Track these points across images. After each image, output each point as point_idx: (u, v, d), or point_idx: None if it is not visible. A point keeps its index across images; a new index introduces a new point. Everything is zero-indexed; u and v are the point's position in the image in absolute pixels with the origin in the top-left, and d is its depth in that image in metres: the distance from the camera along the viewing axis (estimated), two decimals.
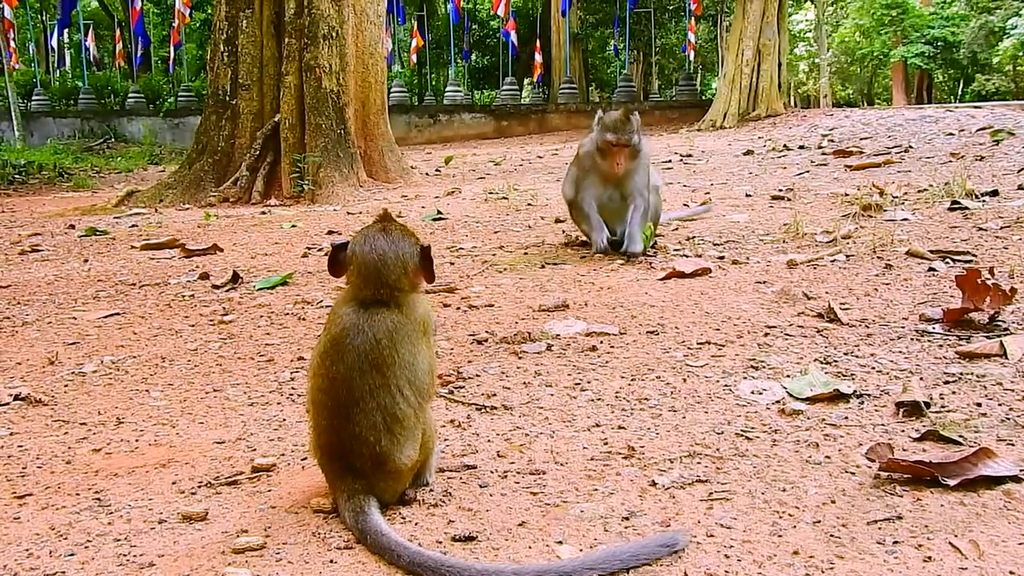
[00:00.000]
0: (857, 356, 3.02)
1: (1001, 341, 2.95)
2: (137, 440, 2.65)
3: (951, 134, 11.40)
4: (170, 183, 10.62)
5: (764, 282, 4.20)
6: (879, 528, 1.85)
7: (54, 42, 28.15)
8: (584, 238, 5.43)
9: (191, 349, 3.67)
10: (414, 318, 2.03)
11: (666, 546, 1.78)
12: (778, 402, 2.65)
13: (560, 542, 1.87)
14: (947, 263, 4.25)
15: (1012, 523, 1.84)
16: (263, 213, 8.78)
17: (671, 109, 24.44)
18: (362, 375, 1.96)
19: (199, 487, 2.26)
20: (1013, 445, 2.22)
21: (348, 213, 8.29)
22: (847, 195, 6.64)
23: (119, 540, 1.98)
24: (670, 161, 11.77)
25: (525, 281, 4.61)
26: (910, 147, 10.31)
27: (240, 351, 3.60)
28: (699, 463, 2.24)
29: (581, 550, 1.82)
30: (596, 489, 2.12)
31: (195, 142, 11.03)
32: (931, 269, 4.16)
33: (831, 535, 1.83)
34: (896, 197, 6.30)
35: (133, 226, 8.07)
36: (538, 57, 26.93)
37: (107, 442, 2.63)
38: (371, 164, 10.93)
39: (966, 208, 5.56)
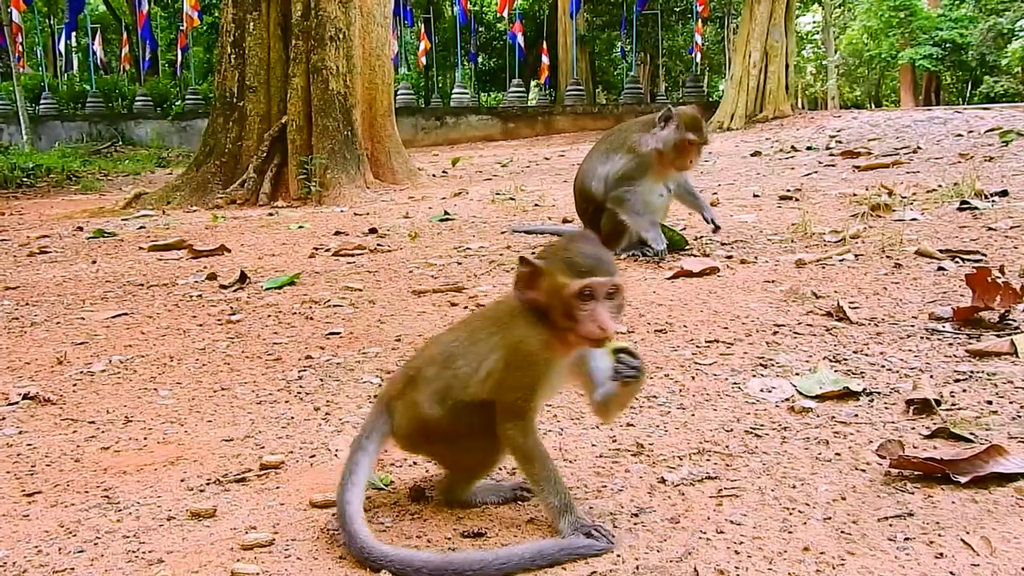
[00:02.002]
0: (867, 354, 3.01)
1: (1012, 339, 2.94)
2: (146, 438, 2.65)
3: (960, 135, 11.37)
4: (178, 185, 10.65)
5: (772, 281, 4.18)
6: (890, 525, 1.84)
7: (62, 46, 28.26)
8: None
9: (199, 348, 3.67)
10: None
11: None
12: (787, 400, 2.64)
13: None
14: (957, 262, 4.23)
15: None
16: (270, 214, 8.79)
17: None
18: None
19: (208, 484, 2.27)
20: None
21: (355, 214, 8.29)
22: (855, 195, 6.62)
23: (128, 537, 1.98)
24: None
25: None
26: (919, 148, 10.28)
27: (248, 350, 3.60)
28: (708, 460, 2.23)
29: None
30: (605, 486, 2.11)
31: (202, 144, 11.06)
32: (940, 268, 4.14)
33: (842, 531, 1.82)
34: (905, 197, 6.27)
35: (141, 228, 8.09)
36: (545, 59, 26.94)
37: (116, 440, 2.64)
38: (378, 166, 10.94)
39: (976, 208, 5.53)
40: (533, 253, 1.96)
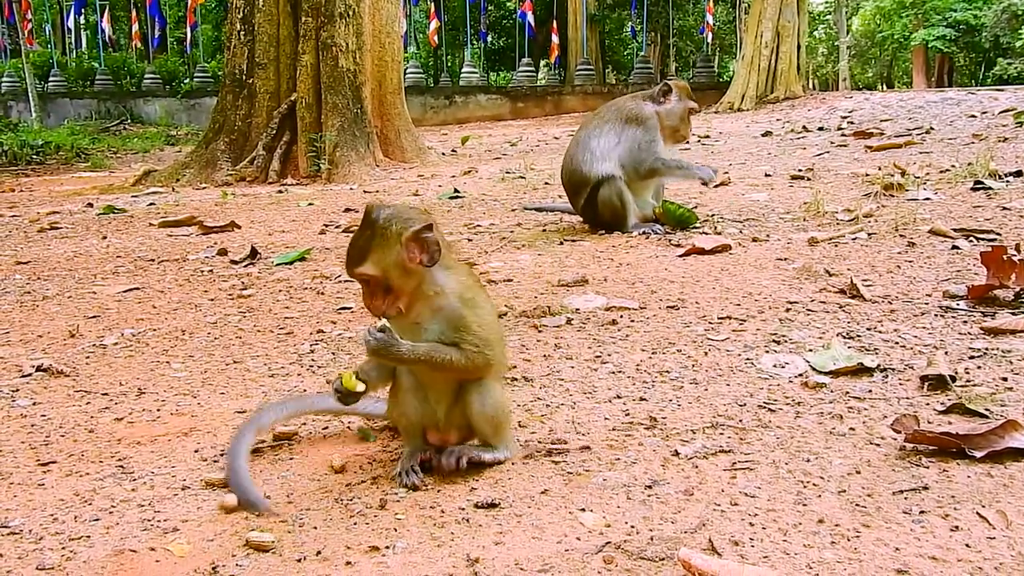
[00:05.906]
0: (880, 331, 2.99)
1: None
2: (159, 410, 2.66)
3: (973, 116, 11.26)
4: (187, 163, 10.65)
5: (785, 259, 4.16)
6: (905, 498, 1.83)
7: (70, 23, 28.16)
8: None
9: (211, 322, 3.68)
10: None
11: None
12: (801, 375, 2.63)
13: (583, 509, 1.86)
14: (971, 241, 4.19)
15: None
16: (280, 192, 8.78)
17: None
18: None
19: (221, 455, 2.27)
20: None
21: (365, 192, 8.28)
22: (868, 175, 6.57)
23: (143, 506, 1.99)
24: (688, 142, 11.66)
25: (544, 257, 4.59)
26: (931, 129, 10.18)
27: (259, 324, 3.60)
28: (722, 434, 2.22)
29: (604, 517, 1.82)
30: (618, 458, 2.11)
31: (211, 122, 11.04)
32: (954, 247, 4.11)
33: (857, 504, 1.81)
34: (918, 177, 6.22)
35: (151, 204, 8.09)
36: (555, 38, 26.75)
37: (129, 411, 2.65)
38: (387, 143, 10.91)
39: (989, 188, 5.48)
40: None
